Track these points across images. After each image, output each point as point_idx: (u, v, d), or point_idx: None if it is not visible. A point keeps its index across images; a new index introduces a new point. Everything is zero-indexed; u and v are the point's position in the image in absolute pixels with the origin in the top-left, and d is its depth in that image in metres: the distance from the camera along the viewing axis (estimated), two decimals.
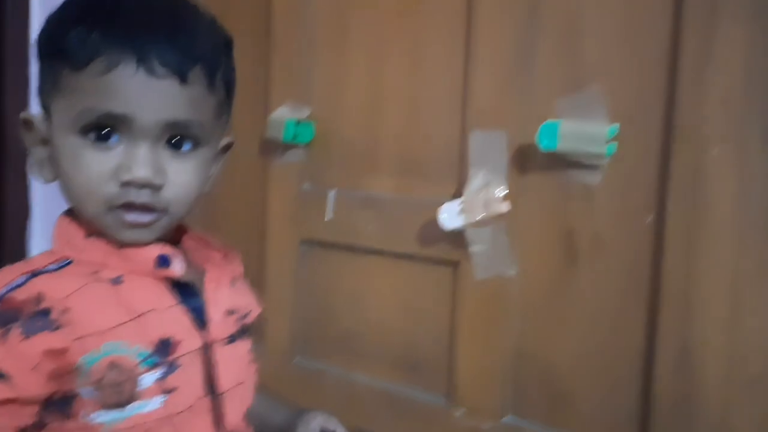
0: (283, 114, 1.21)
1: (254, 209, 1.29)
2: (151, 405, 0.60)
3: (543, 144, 0.92)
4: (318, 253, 1.22)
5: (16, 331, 0.57)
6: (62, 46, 0.59)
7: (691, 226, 0.85)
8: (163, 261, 0.64)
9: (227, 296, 0.70)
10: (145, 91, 0.59)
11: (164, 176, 0.61)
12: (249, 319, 0.74)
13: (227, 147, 0.72)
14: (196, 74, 0.61)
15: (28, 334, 0.57)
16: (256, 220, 1.29)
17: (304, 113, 1.20)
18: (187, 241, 0.73)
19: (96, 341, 0.59)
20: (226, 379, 0.67)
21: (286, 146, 1.22)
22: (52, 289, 0.60)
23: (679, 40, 0.85)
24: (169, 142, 0.62)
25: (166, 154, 0.62)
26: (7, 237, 1.59)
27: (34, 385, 0.57)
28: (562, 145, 0.91)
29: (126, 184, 0.60)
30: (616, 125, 0.89)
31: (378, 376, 1.16)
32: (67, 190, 0.63)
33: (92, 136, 0.60)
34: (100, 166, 0.60)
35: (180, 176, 0.62)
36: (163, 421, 0.61)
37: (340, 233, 1.17)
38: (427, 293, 1.10)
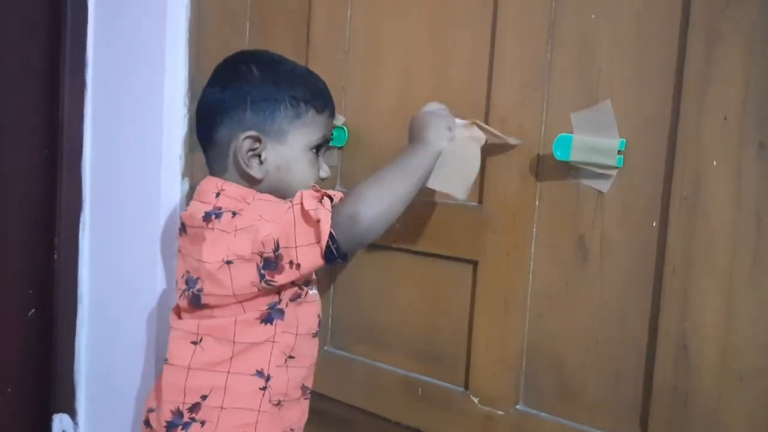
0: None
1: None
2: None
3: (557, 154, 1.00)
4: None
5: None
6: (310, 100, 1.07)
7: (691, 232, 0.92)
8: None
9: None
10: (332, 127, 1.15)
11: None
12: None
13: None
14: None
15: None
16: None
17: (339, 120, 1.29)
18: None
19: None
20: None
21: None
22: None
23: (684, 61, 0.92)
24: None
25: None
26: (62, 229, 1.69)
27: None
28: (575, 156, 0.99)
29: (323, 178, 1.12)
30: (625, 139, 0.97)
31: (401, 365, 1.24)
32: (294, 180, 1.06)
33: (315, 150, 1.09)
34: (317, 168, 1.11)
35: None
36: None
37: None
38: (448, 289, 1.18)
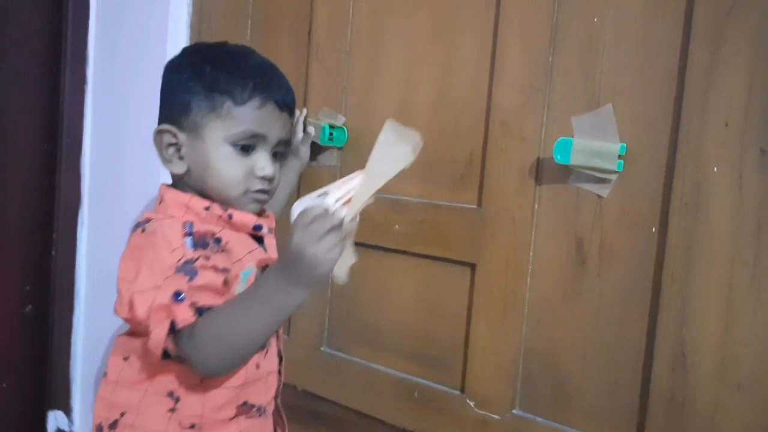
0: (320, 119, 1.30)
1: (288, 206, 1.37)
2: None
3: (558, 158, 1.00)
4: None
5: (214, 248, 0.90)
6: (228, 89, 0.93)
7: (691, 238, 0.91)
8: (258, 227, 0.98)
9: (273, 243, 1.02)
10: (276, 121, 0.95)
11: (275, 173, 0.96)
12: None
13: None
14: (292, 110, 0.99)
15: (218, 250, 0.90)
16: (289, 216, 1.37)
17: (339, 120, 1.28)
18: None
19: (245, 262, 0.93)
20: None
21: (322, 148, 1.31)
22: (211, 228, 0.92)
23: (686, 67, 0.92)
24: (274, 151, 0.97)
25: (273, 159, 0.97)
26: (60, 224, 1.69)
27: (230, 284, 0.89)
28: (575, 160, 0.99)
29: (260, 178, 0.95)
30: (626, 144, 0.96)
31: (397, 367, 1.24)
32: (212, 180, 0.94)
33: (240, 146, 0.94)
34: (245, 167, 0.94)
35: (278, 173, 0.98)
36: None
37: (367, 232, 1.25)
38: (446, 292, 1.18)
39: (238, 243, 0.94)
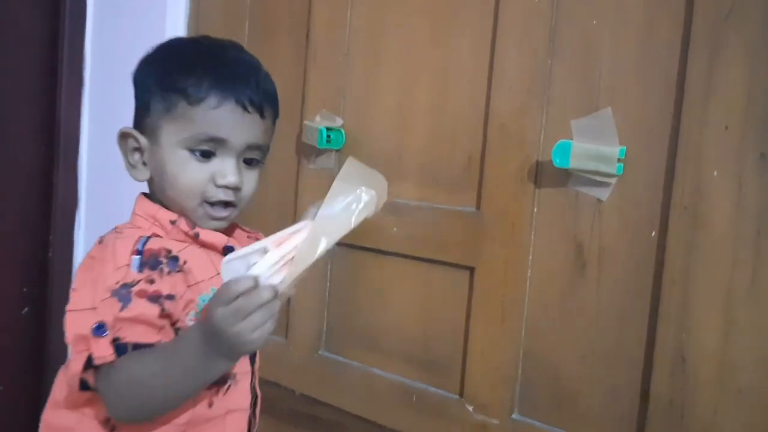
0: (317, 121, 1.30)
1: (286, 209, 1.38)
2: None
3: (556, 161, 0.99)
4: (345, 254, 1.30)
5: (166, 269, 0.79)
6: (181, 87, 0.82)
7: (691, 242, 0.91)
8: (228, 248, 0.85)
9: None
10: (238, 123, 0.82)
11: (243, 182, 0.84)
12: None
13: None
14: (268, 111, 0.85)
15: (172, 270, 0.79)
16: (287, 219, 1.37)
17: (337, 122, 1.28)
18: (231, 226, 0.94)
19: (205, 286, 0.81)
20: None
21: (319, 151, 1.30)
22: (170, 246, 0.81)
23: (686, 70, 0.91)
24: (245, 157, 0.84)
25: (243, 166, 0.85)
26: (57, 226, 1.68)
27: (179, 311, 0.79)
28: (574, 163, 0.98)
29: (221, 186, 0.83)
30: (625, 147, 0.96)
31: (396, 371, 1.23)
32: (169, 188, 0.83)
33: (198, 151, 0.82)
34: (202, 173, 0.82)
35: (250, 182, 0.85)
36: None
37: (365, 236, 1.25)
38: (445, 296, 1.17)
39: (203, 263, 0.83)
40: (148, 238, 0.82)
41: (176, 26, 1.51)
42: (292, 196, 1.36)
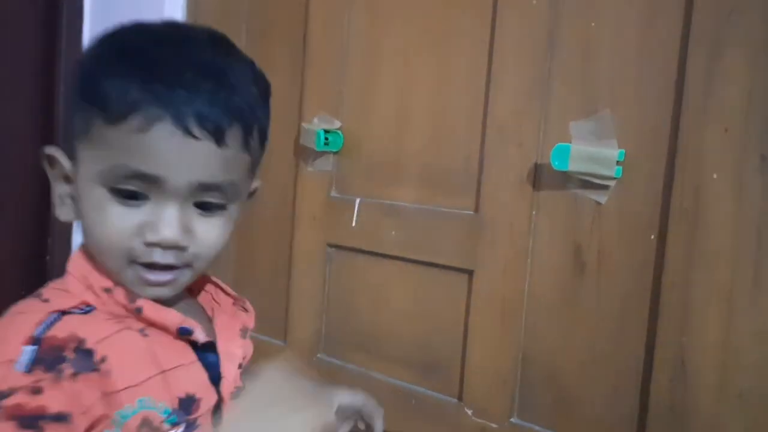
0: (315, 124, 1.29)
1: (284, 211, 1.37)
2: None
3: (555, 164, 0.98)
4: (343, 257, 1.29)
5: (68, 371, 0.54)
6: (98, 97, 0.56)
7: (691, 245, 0.90)
8: (185, 331, 0.61)
9: (239, 349, 0.68)
10: (179, 153, 0.56)
11: (191, 236, 0.59)
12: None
13: (252, 193, 0.69)
14: (233, 134, 0.58)
15: (78, 373, 0.54)
16: (286, 222, 1.37)
17: (335, 125, 1.27)
18: (201, 284, 0.71)
19: (130, 395, 0.56)
20: None
21: (317, 153, 1.30)
22: (88, 331, 0.56)
23: (685, 73, 0.91)
24: (198, 201, 0.59)
25: (194, 213, 0.59)
26: (55, 231, 1.67)
27: (82, 428, 0.54)
28: (573, 166, 0.97)
29: (151, 245, 0.58)
30: (624, 150, 0.95)
31: (394, 375, 1.23)
32: (89, 237, 0.60)
33: (120, 191, 0.57)
34: (125, 222, 0.57)
35: (207, 234, 0.60)
36: None
37: (364, 239, 1.25)
38: (443, 299, 1.16)
39: (136, 359, 0.58)
40: (60, 315, 0.57)
41: None
42: (290, 199, 1.36)
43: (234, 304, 0.72)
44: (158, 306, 0.61)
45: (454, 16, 1.14)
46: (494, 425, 1.09)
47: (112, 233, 0.58)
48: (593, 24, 0.99)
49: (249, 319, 0.72)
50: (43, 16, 1.62)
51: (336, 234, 1.29)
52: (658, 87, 0.94)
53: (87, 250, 0.63)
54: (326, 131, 1.26)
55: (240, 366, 0.68)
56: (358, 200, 1.25)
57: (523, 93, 1.05)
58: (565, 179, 1.01)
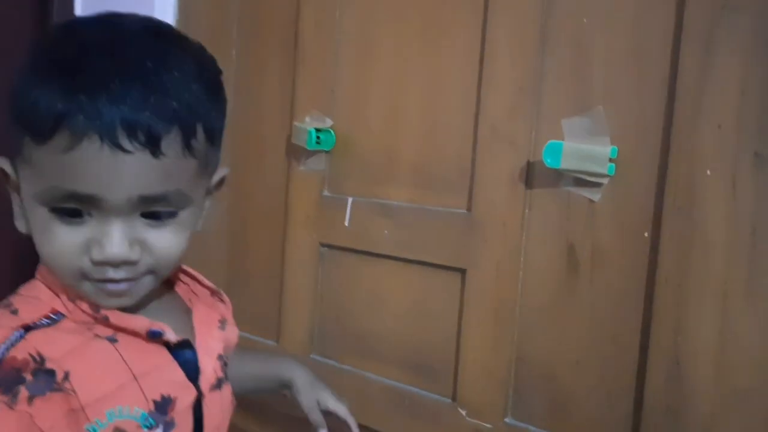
0: (307, 123, 1.28)
1: (277, 211, 1.36)
2: None
3: (548, 162, 0.98)
4: (336, 257, 1.28)
5: (25, 392, 0.53)
6: (23, 115, 0.53)
7: (685, 243, 0.89)
8: (155, 334, 0.60)
9: (217, 341, 0.67)
10: (112, 170, 0.52)
11: (143, 248, 0.57)
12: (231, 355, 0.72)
13: (219, 183, 0.67)
14: (171, 141, 0.54)
15: (38, 394, 0.53)
16: (278, 221, 1.35)
17: (326, 123, 1.26)
18: (177, 275, 0.70)
19: (99, 408, 0.56)
20: (210, 427, 0.65)
21: (309, 153, 1.29)
22: (51, 348, 0.55)
23: (678, 69, 0.90)
24: (145, 212, 0.57)
25: (142, 224, 0.57)
26: None
27: None
28: (566, 163, 0.96)
29: (100, 263, 0.55)
30: (617, 147, 0.94)
31: (388, 375, 1.22)
32: (40, 254, 0.59)
33: (61, 210, 0.55)
34: (71, 240, 0.55)
35: (161, 244, 0.58)
36: None
37: (356, 239, 1.24)
38: (437, 298, 1.15)
39: (103, 371, 0.57)
40: (24, 333, 0.55)
41: None
42: (282, 198, 1.35)
43: (212, 295, 0.72)
44: (123, 314, 0.59)
45: (446, 14, 1.13)
46: (488, 425, 1.08)
47: (59, 253, 0.56)
48: (585, 20, 0.98)
49: (227, 311, 0.73)
50: (35, 14, 1.61)
51: (329, 233, 1.28)
52: (651, 83, 0.93)
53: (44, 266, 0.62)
54: (318, 130, 1.25)
55: (221, 357, 0.67)
56: (350, 199, 1.24)
57: (515, 91, 1.04)
58: (558, 177, 1.00)
